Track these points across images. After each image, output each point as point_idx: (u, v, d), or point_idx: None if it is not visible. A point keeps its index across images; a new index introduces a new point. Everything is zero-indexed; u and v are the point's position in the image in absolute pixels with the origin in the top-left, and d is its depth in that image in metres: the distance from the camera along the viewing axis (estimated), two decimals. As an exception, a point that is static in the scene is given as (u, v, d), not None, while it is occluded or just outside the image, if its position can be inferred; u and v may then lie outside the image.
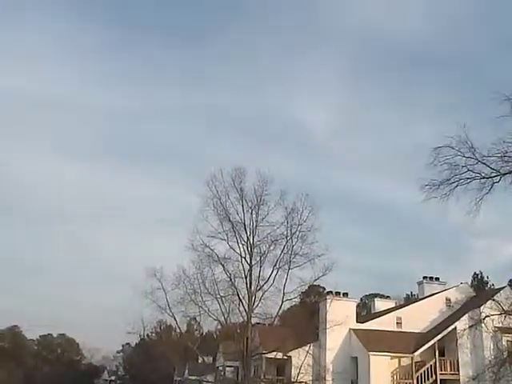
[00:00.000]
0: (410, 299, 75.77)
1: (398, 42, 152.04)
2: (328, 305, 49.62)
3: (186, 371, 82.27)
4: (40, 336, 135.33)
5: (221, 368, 62.73)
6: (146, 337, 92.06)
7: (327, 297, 51.65)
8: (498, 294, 44.02)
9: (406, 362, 47.60)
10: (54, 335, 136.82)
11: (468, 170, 23.69)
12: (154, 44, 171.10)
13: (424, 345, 47.42)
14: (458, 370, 47.00)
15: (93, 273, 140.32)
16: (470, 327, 42.73)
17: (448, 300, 52.79)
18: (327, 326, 47.95)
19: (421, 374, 46.69)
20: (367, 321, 53.15)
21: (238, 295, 44.51)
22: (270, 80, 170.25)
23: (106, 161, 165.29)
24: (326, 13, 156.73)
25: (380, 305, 61.31)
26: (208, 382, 66.85)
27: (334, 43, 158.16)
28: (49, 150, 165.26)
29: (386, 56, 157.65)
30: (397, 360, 47.75)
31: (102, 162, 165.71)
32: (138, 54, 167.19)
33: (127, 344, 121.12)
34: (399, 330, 50.97)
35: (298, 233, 45.63)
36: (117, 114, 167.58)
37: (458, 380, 46.59)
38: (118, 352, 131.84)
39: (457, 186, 23.86)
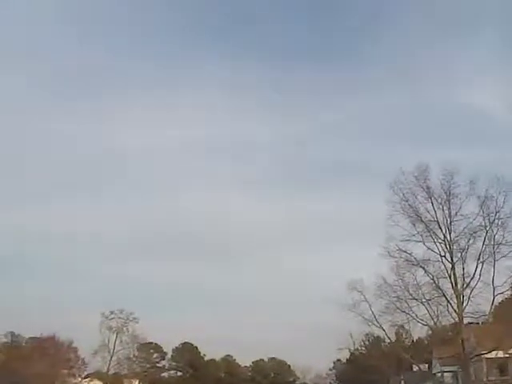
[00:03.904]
0: None
1: None
2: (548, 292, 45.85)
3: (402, 382, 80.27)
4: (252, 362, 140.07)
5: (439, 374, 60.48)
6: (355, 351, 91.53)
7: (545, 283, 47.70)
8: None
9: None
10: (265, 359, 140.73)
11: None
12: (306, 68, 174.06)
13: None
14: None
15: (292, 295, 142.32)
16: None
17: None
18: (550, 316, 44.26)
19: None
20: None
21: (445, 296, 42.81)
22: (431, 71, 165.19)
23: (280, 186, 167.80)
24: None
25: None
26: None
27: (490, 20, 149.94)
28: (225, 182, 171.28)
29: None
30: None
31: (274, 188, 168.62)
32: (293, 80, 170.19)
33: (338, 360, 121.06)
34: None
35: (496, 221, 43.29)
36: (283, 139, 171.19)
37: None
38: (330, 369, 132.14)
39: None
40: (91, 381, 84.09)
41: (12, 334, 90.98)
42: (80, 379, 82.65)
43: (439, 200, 43.92)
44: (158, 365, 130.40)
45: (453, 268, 42.66)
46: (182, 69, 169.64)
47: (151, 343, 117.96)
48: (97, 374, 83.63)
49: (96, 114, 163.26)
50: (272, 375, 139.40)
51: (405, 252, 44.05)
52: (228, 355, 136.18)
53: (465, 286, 42.60)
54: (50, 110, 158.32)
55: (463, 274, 42.75)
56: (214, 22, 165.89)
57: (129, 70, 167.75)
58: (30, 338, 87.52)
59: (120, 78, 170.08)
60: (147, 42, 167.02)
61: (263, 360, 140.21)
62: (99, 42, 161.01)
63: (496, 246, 42.77)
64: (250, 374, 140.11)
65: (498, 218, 43.15)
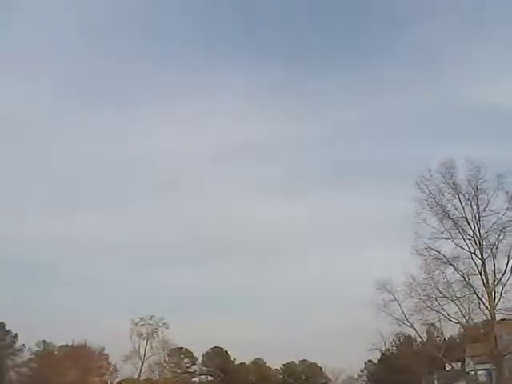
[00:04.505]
0: None
1: None
2: None
3: (435, 381, 79.26)
4: (283, 365, 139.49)
5: (472, 373, 59.53)
6: (387, 351, 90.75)
7: None
8: None
9: None
10: (296, 362, 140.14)
11: None
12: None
13: None
14: None
15: (318, 296, 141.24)
16: None
17: None
18: None
19: None
20: None
21: (476, 293, 42.19)
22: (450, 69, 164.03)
23: (280, 187, 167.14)
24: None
25: None
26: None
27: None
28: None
29: None
30: None
31: (275, 189, 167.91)
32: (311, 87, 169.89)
33: (369, 361, 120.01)
34: None
35: (526, 216, 42.47)
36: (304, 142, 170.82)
37: None
38: (361, 370, 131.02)
39: None
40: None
41: (44, 342, 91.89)
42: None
43: (467, 196, 43.34)
44: (188, 370, 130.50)
45: (483, 264, 41.99)
46: (182, 70, 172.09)
47: (181, 348, 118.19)
48: (128, 381, 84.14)
49: (96, 114, 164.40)
50: (303, 377, 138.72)
51: (433, 250, 43.55)
52: (258, 358, 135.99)
53: (496, 282, 41.89)
54: (50, 111, 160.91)
55: (494, 271, 42.01)
56: (215, 24, 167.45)
57: (128, 71, 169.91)
58: (62, 345, 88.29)
59: (120, 78, 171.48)
60: (147, 42, 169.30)
61: (294, 362, 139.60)
62: (99, 42, 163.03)
63: (527, 237, 42.10)
64: (281, 376, 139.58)
65: (528, 213, 42.46)
